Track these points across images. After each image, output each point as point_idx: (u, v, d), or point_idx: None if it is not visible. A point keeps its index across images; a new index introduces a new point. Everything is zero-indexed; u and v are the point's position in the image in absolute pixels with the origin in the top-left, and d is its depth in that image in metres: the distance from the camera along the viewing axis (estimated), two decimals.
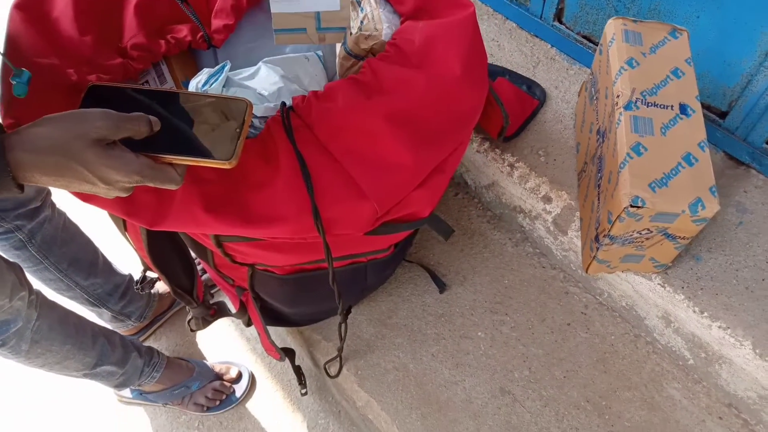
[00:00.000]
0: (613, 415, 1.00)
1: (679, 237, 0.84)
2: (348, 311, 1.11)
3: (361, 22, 0.75)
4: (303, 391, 1.16)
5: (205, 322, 1.01)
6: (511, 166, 1.11)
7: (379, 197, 0.69)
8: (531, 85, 1.17)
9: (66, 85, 0.68)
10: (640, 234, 0.84)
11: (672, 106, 0.84)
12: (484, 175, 1.19)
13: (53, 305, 0.95)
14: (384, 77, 0.68)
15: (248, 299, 1.02)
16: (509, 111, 1.00)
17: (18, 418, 1.33)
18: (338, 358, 1.05)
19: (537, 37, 1.25)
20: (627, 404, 1.00)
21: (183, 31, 0.78)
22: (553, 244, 1.13)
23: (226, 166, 0.56)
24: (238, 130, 0.57)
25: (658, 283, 0.95)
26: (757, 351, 0.86)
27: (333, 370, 1.09)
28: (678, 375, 1.02)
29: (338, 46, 0.79)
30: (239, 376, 1.25)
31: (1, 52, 0.61)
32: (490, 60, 1.25)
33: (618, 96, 0.85)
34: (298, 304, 1.03)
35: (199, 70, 0.81)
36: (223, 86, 0.72)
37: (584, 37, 1.17)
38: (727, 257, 0.95)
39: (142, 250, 0.80)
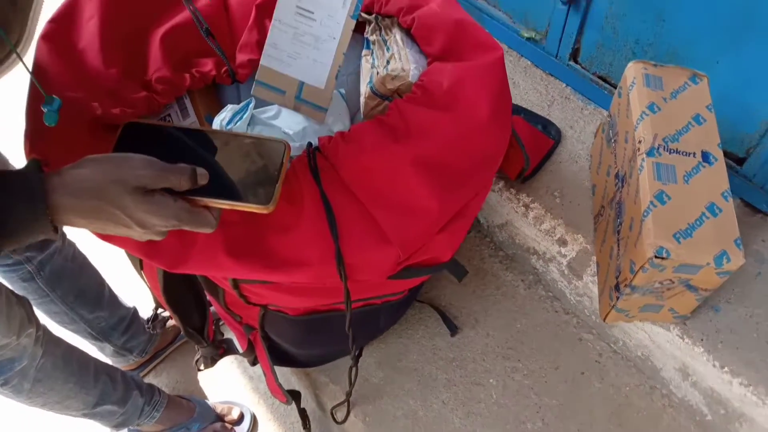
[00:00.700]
0: None
1: (701, 289, 0.82)
2: (359, 354, 1.08)
3: (387, 61, 0.75)
4: None
5: (213, 361, 0.98)
6: (526, 206, 1.10)
7: (403, 242, 0.67)
8: (546, 125, 1.17)
9: (90, 118, 0.67)
10: (662, 284, 0.82)
11: (694, 154, 0.83)
12: (498, 215, 1.18)
13: (58, 341, 0.92)
14: (411, 120, 0.67)
15: (257, 338, 1.00)
16: (526, 151, 1.00)
17: None
18: (346, 403, 1.01)
19: (552, 75, 1.26)
20: None
21: (208, 65, 0.78)
22: (567, 288, 1.11)
23: (264, 211, 0.54)
24: (276, 173, 0.55)
25: (677, 334, 0.93)
26: None
27: (340, 416, 1.05)
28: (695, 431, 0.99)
29: (363, 85, 0.78)
30: (241, 417, 1.21)
31: (32, 78, 0.60)
32: None
33: (640, 141, 0.85)
34: (308, 345, 1.01)
35: (221, 105, 0.81)
36: (248, 125, 0.71)
37: (600, 77, 1.18)
38: (746, 309, 0.93)
39: (157, 290, 0.78)
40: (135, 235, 0.52)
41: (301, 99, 0.74)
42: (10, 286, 0.83)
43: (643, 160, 0.83)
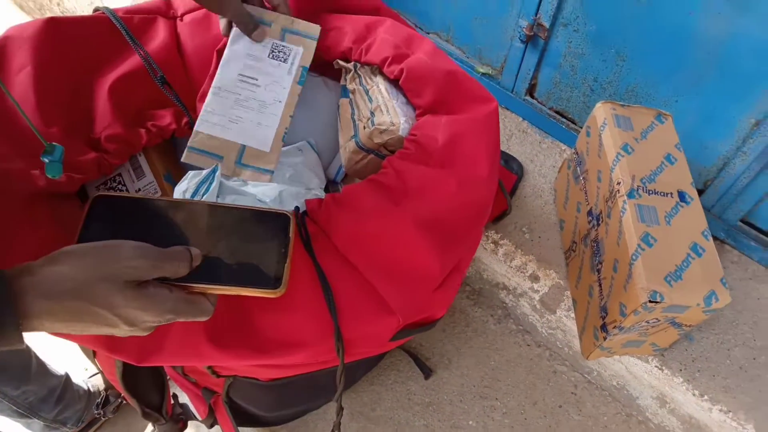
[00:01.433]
0: None
1: (685, 325, 0.83)
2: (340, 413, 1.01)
3: (372, 113, 0.69)
4: None
5: None
6: (495, 243, 1.08)
7: (405, 310, 0.62)
8: (508, 159, 1.15)
9: (30, 191, 0.56)
10: (648, 323, 0.82)
11: (671, 194, 0.84)
12: None
13: None
14: (409, 179, 0.62)
15: (218, 403, 0.90)
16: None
17: None
18: None
19: (508, 109, 1.25)
20: None
21: (166, 118, 0.68)
22: (539, 322, 1.09)
23: (272, 295, 0.47)
24: (283, 251, 0.48)
25: (656, 366, 0.94)
26: None
27: None
28: None
29: (342, 134, 0.72)
30: None
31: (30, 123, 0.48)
32: None
33: (619, 183, 0.84)
34: (280, 408, 0.92)
35: (178, 160, 0.71)
36: (217, 195, 0.62)
37: (557, 112, 1.18)
38: (717, 336, 0.95)
39: (113, 375, 0.67)
40: (119, 333, 0.43)
41: (241, 164, 0.68)
42: None
43: (624, 201, 0.82)
